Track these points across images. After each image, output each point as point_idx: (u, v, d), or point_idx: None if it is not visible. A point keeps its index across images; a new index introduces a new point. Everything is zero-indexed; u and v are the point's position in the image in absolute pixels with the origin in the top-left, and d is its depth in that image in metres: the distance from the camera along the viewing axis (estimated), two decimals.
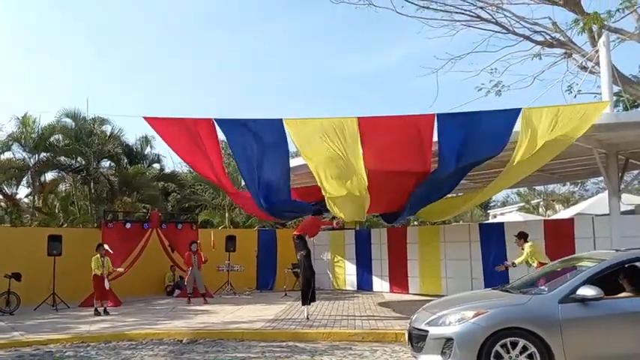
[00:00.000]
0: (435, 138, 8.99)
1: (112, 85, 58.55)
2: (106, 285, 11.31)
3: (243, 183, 12.38)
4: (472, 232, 12.99)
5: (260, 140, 9.53)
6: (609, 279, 5.86)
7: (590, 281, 5.55)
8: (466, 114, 9.23)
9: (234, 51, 67.15)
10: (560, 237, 11.68)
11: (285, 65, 66.35)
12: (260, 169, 9.92)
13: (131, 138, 21.37)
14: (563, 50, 13.54)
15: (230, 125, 9.61)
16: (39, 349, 7.86)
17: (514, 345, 5.21)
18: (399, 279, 14.16)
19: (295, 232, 10.24)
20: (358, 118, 9.16)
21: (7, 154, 18.49)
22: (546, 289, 5.75)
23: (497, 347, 5.20)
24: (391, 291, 14.17)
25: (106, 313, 10.95)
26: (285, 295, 13.78)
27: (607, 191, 11.16)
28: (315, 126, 9.46)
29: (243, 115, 57.17)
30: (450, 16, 13.67)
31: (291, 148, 10.22)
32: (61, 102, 56.30)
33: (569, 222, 12.54)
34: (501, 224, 13.41)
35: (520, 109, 8.78)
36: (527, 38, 13.64)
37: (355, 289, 15.04)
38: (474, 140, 9.02)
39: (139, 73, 60.96)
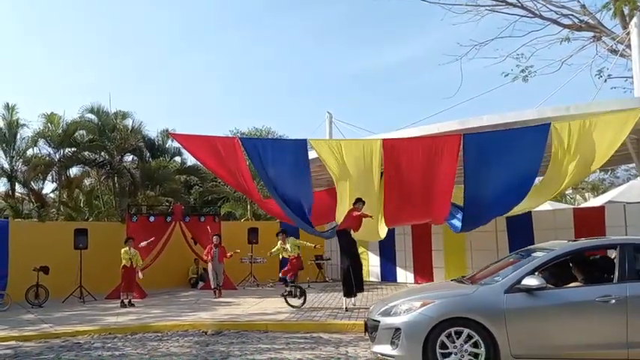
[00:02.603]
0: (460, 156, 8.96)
1: (133, 81, 59.26)
2: (140, 275, 11.67)
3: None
4: (498, 222, 12.69)
5: (283, 161, 9.58)
6: (567, 269, 5.90)
7: (537, 271, 5.60)
8: (493, 134, 9.13)
9: (250, 46, 67.17)
10: (590, 226, 11.35)
11: (300, 62, 66.10)
12: (283, 189, 9.93)
13: (152, 131, 21.52)
14: (592, 33, 13.08)
15: (253, 145, 9.71)
16: (67, 340, 7.98)
17: (459, 334, 5.23)
18: (423, 270, 13.97)
19: (338, 228, 10.11)
20: (382, 140, 9.20)
21: (32, 151, 18.87)
22: (499, 279, 5.64)
23: (443, 337, 5.26)
24: (415, 282, 13.99)
25: (131, 304, 11.09)
26: (309, 286, 13.73)
27: (639, 178, 10.77)
28: (338, 147, 9.49)
29: (265, 112, 57.41)
30: (475, 1, 13.31)
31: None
32: (84, 99, 57.32)
33: (600, 210, 12.19)
34: (529, 213, 13.05)
35: (549, 124, 8.66)
36: (555, 22, 13.21)
37: (379, 280, 14.91)
38: (503, 159, 8.93)
39: (158, 69, 61.51)
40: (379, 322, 5.68)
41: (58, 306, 11.26)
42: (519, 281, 5.32)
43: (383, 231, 10.50)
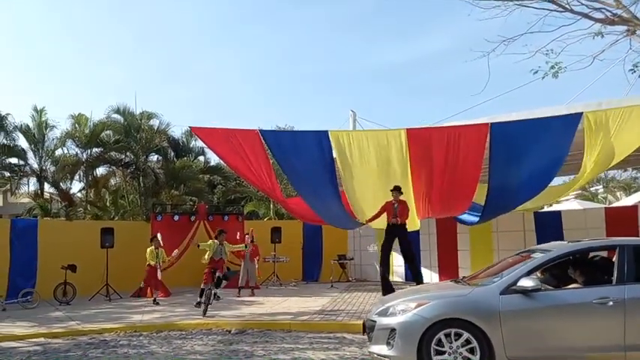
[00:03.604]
0: (487, 147, 8.79)
1: (158, 80, 60.11)
2: (158, 275, 11.71)
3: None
4: (527, 222, 12.44)
5: (305, 152, 9.48)
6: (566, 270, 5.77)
7: (538, 273, 5.53)
8: (521, 122, 8.87)
9: (274, 43, 67.40)
10: (622, 225, 11.04)
11: (322, 55, 66.02)
12: (307, 180, 9.86)
13: (177, 132, 21.75)
14: (626, 27, 12.58)
15: (274, 137, 9.62)
16: (94, 337, 8.06)
17: (454, 336, 5.12)
18: (449, 270, 13.75)
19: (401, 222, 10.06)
20: (407, 129, 9.04)
21: (61, 151, 19.29)
22: (495, 280, 5.47)
23: (438, 338, 5.15)
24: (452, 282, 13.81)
25: (155, 303, 11.16)
26: (332, 286, 13.66)
27: None
28: (360, 138, 9.38)
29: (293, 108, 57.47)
30: None
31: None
32: (110, 99, 58.39)
33: (633, 209, 11.85)
34: (558, 213, 12.78)
35: (581, 113, 8.38)
36: (586, 16, 12.71)
37: (403, 280, 14.71)
38: (530, 149, 8.74)
39: (182, 68, 62.21)
40: (376, 322, 5.64)
41: (85, 304, 11.43)
42: (515, 282, 5.22)
43: (417, 221, 10.42)
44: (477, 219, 10.90)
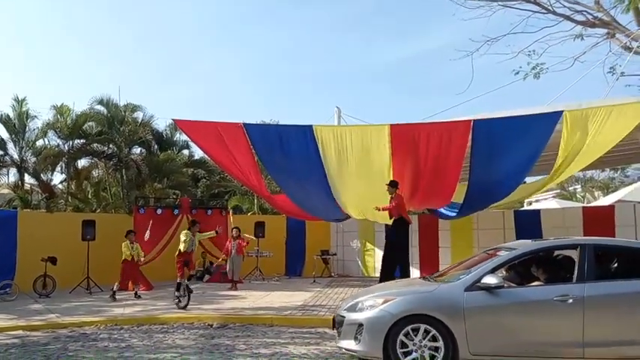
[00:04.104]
0: (469, 143, 8.86)
1: (158, 80, 59.38)
2: (137, 269, 11.65)
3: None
4: (507, 220, 12.66)
5: (289, 145, 9.48)
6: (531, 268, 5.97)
7: (504, 270, 5.72)
8: (503, 120, 8.99)
9: (269, 42, 67.06)
10: (600, 224, 11.30)
11: (318, 55, 65.94)
12: (291, 174, 9.87)
13: (161, 124, 21.57)
14: (606, 30, 12.84)
15: (258, 130, 9.58)
16: (74, 330, 8.02)
17: (419, 331, 5.25)
18: (430, 267, 13.90)
19: (396, 216, 10.23)
20: (390, 125, 9.09)
21: (42, 142, 19.00)
22: (462, 277, 5.62)
23: (404, 333, 5.25)
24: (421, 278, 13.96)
25: (137, 296, 11.11)
26: (314, 281, 13.73)
27: None
28: (344, 133, 9.41)
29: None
30: None
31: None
32: (95, 91, 57.45)
33: (610, 209, 12.10)
34: (537, 211, 13.02)
35: (561, 112, 8.51)
36: (568, 18, 12.97)
37: None
38: (511, 145, 8.85)
39: (182, 68, 61.58)
40: (345, 317, 5.74)
41: (65, 296, 11.33)
42: (479, 280, 5.34)
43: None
44: (454, 214, 11.08)
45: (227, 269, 12.94)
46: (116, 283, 11.08)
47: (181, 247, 9.98)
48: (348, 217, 12.11)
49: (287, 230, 16.14)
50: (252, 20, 65.65)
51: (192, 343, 7.07)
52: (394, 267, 10.28)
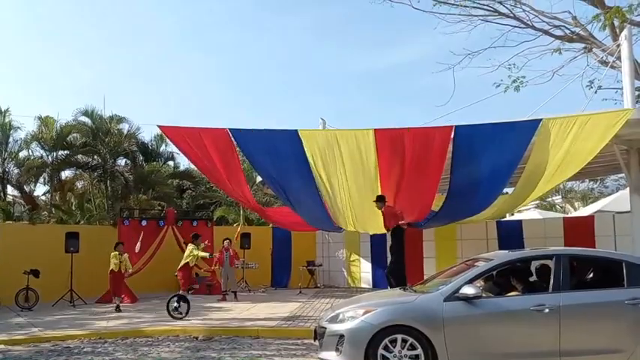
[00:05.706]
0: (450, 149, 8.97)
1: (130, 84, 59.08)
2: (124, 281, 11.56)
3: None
4: (490, 230, 12.84)
5: (276, 150, 9.52)
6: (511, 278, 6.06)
7: (482, 281, 5.81)
8: (484, 126, 9.14)
9: (247, 49, 67.30)
10: (580, 234, 11.53)
11: (296, 62, 66.33)
12: (282, 179, 9.90)
13: (147, 135, 21.51)
14: (584, 45, 13.24)
15: (244, 136, 9.58)
16: (57, 344, 7.93)
17: (400, 342, 5.31)
18: (415, 277, 13.88)
19: (390, 226, 10.38)
20: (375, 130, 9.18)
21: (26, 153, 18.82)
22: (441, 288, 5.72)
23: (384, 344, 5.30)
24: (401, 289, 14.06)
25: (118, 310, 10.95)
26: (300, 292, 13.75)
27: (628, 188, 10.92)
28: (330, 138, 9.47)
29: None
30: (468, 10, 13.44)
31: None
32: (80, 101, 57.09)
33: (590, 220, 12.34)
34: (519, 222, 13.24)
35: (540, 120, 8.67)
36: (547, 33, 13.37)
37: (371, 286, 14.93)
38: (491, 152, 8.98)
39: (155, 71, 61.36)
40: (326, 328, 5.77)
41: (49, 309, 11.20)
42: (458, 290, 5.41)
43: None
44: (433, 222, 11.19)
45: (222, 282, 12.97)
46: (115, 297, 11.14)
47: (189, 260, 10.26)
48: (340, 228, 12.18)
49: (273, 241, 16.15)
50: (230, 27, 65.84)
51: (177, 356, 7.06)
52: (403, 272, 10.33)
